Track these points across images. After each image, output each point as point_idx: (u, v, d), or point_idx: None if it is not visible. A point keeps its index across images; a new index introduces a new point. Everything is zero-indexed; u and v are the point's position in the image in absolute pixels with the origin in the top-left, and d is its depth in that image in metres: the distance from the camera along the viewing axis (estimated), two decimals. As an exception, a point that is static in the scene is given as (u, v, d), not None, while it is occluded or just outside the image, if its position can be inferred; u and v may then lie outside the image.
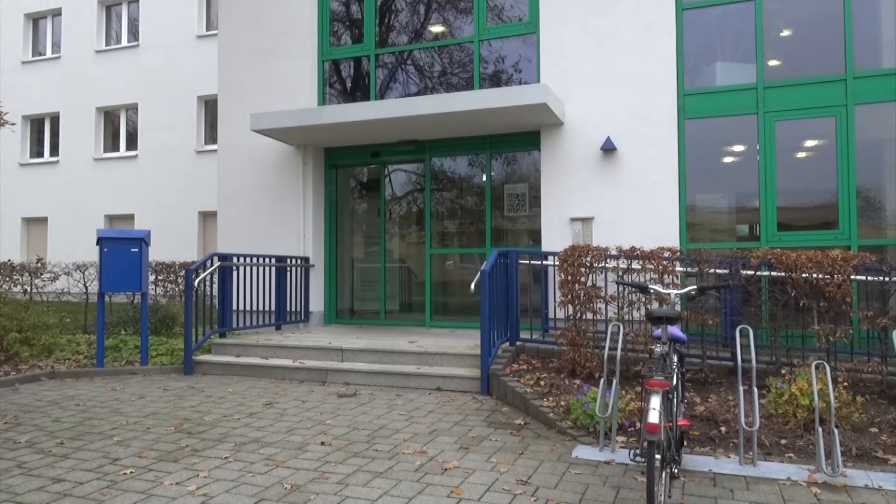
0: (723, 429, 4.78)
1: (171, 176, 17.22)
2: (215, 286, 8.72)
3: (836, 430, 3.89)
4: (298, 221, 9.91)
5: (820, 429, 3.96)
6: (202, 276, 8.00)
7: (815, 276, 5.64)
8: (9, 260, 12.12)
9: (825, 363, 4.18)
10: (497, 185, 9.47)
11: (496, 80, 9.35)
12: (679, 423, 3.75)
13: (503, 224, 9.43)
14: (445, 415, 5.61)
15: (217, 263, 8.28)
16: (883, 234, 7.41)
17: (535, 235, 9.15)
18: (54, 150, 19.08)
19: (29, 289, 11.21)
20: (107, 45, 18.68)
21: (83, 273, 11.17)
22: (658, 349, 3.70)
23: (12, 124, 10.27)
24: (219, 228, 10.47)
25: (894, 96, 7.42)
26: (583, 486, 3.83)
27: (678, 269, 6.35)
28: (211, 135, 16.99)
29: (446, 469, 4.16)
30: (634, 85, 8.37)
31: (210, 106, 17.03)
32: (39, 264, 10.89)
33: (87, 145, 18.37)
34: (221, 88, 10.70)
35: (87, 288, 10.91)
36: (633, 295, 6.22)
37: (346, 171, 10.65)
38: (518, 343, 7.20)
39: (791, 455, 4.33)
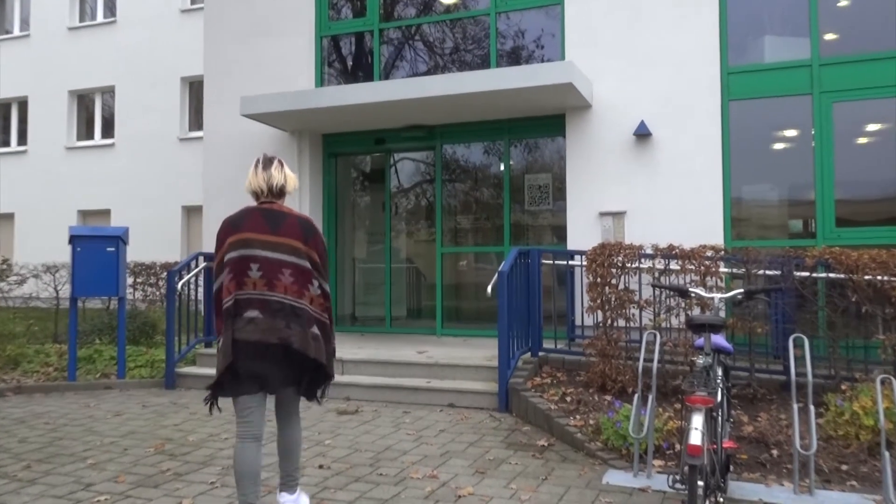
0: (775, 452, 4.76)
1: (151, 166, 17.36)
2: (201, 290, 8.67)
3: (905, 454, 3.87)
4: None
5: (887, 453, 3.93)
6: (186, 278, 8.04)
7: (879, 278, 5.59)
8: (-28, 261, 12.25)
9: (892, 377, 4.14)
10: (516, 175, 9.47)
11: (515, 57, 9.35)
12: (724, 446, 3.73)
13: (523, 219, 9.44)
14: (459, 434, 5.61)
15: (203, 264, 8.33)
16: (957, 230, 7.38)
17: (560, 232, 9.15)
18: (22, 139, 19.29)
19: (-6, 293, 11.32)
20: (80, 21, 18.87)
21: (53, 275, 11.27)
22: (700, 361, 3.69)
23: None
24: (205, 225, 10.54)
25: (970, 73, 7.38)
26: (615, 516, 3.82)
27: (722, 270, 6.32)
28: (196, 121, 17.11)
29: (460, 496, 4.16)
30: (672, 62, 8.40)
31: (195, 88, 17.16)
32: (5, 266, 10.98)
33: (58, 133, 18.54)
34: (208, 69, 10.77)
35: (57, 292, 10.99)
36: (672, 299, 6.23)
37: (346, 161, 10.69)
38: (541, 353, 7.22)
39: (853, 483, 4.31)
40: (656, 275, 6.40)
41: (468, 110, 8.99)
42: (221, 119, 10.53)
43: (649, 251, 6.55)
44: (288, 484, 3.69)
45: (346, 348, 8.10)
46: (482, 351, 7.80)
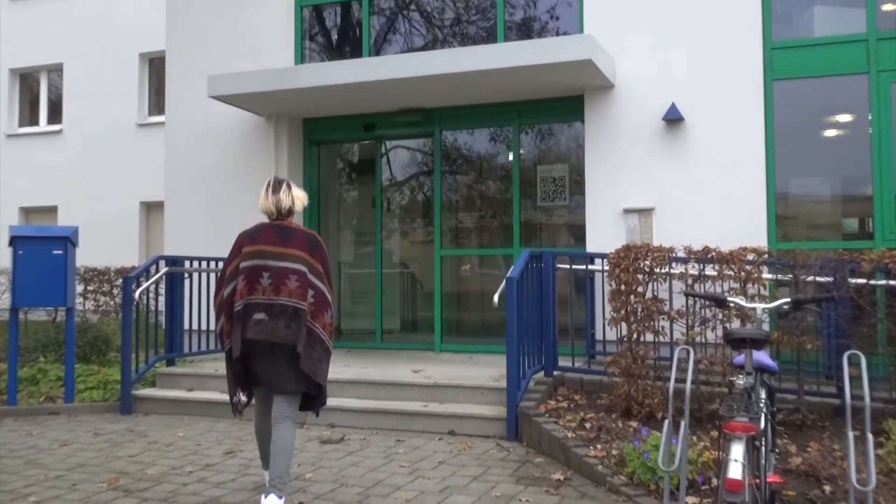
0: (827, 488, 4.73)
1: (105, 157, 17.37)
2: (162, 299, 8.70)
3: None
4: None
5: (957, 488, 3.90)
6: (145, 285, 8.04)
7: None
8: None
9: (963, 401, 4.12)
10: (528, 166, 9.44)
11: (526, 30, 9.35)
12: (769, 480, 3.73)
13: (536, 217, 9.41)
14: (461, 467, 5.60)
15: (164, 269, 8.33)
16: None
17: (578, 232, 9.09)
18: (-44, 125, 19.30)
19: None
20: (23, -12, 18.89)
21: (-8, 282, 11.27)
22: (740, 381, 3.70)
23: None
24: (166, 224, 10.52)
25: None
26: (642, 562, 3.82)
27: (766, 276, 6.33)
28: (157, 103, 17.13)
29: (462, 539, 4.15)
30: (706, 35, 8.38)
31: (156, 66, 17.17)
32: (-65, 271, 10.99)
33: (-3, 118, 18.56)
34: (171, 43, 10.76)
35: (-4, 302, 10.95)
36: (708, 310, 6.21)
37: (330, 149, 10.68)
38: (556, 373, 7.23)
39: (918, 522, 4.29)
40: (689, 281, 6.37)
41: (472, 91, 8.93)
42: (186, 102, 10.49)
43: (681, 254, 6.54)
44: (275, 485, 4.40)
45: (331, 367, 7.99)
46: (488, 370, 7.79)
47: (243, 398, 4.79)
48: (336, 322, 9.90)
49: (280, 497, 4.34)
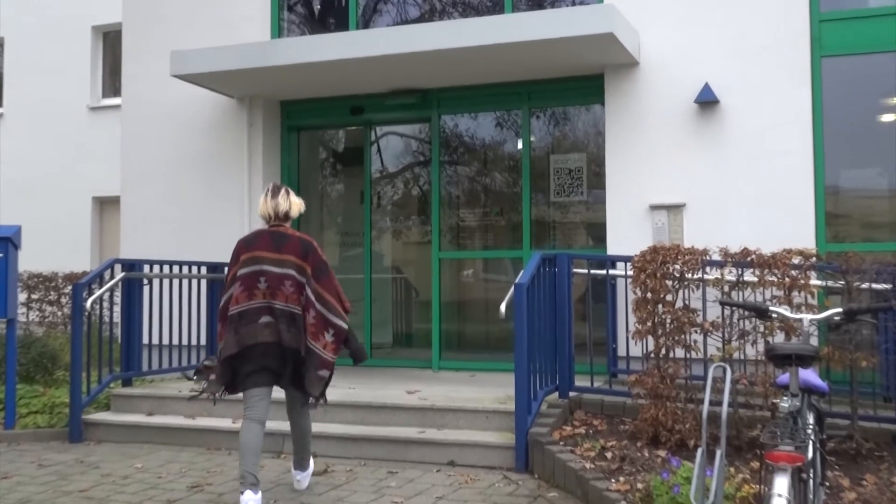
0: (884, 526, 4.73)
1: (52, 145, 17.32)
2: (118, 309, 8.62)
3: None
4: (243, 211, 9.90)
5: None
6: (98, 293, 8.00)
7: None
8: None
9: None
10: (540, 155, 9.45)
11: (537, -1, 9.35)
12: (818, 518, 3.71)
13: (549, 214, 9.42)
14: (462, 503, 5.56)
15: (121, 275, 8.29)
16: None
17: (598, 231, 9.09)
18: None
19: None
20: (-42, -49, 18.87)
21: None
22: (785, 404, 3.69)
23: None
24: (123, 223, 10.49)
25: None
26: None
27: (814, 282, 6.28)
28: (112, 84, 17.10)
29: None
30: (745, 5, 8.34)
31: (112, 41, 17.14)
32: None
33: (-73, 100, 18.51)
34: (128, 14, 10.75)
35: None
36: (747, 321, 6.19)
37: (312, 136, 10.68)
38: (572, 394, 7.25)
39: None
40: (726, 288, 6.33)
41: (475, 69, 8.91)
42: (146, 81, 10.44)
43: (716, 257, 6.50)
44: (299, 463, 5.88)
45: None
46: (493, 390, 7.74)
47: (222, 395, 5.68)
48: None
49: (304, 470, 5.88)
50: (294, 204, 5.69)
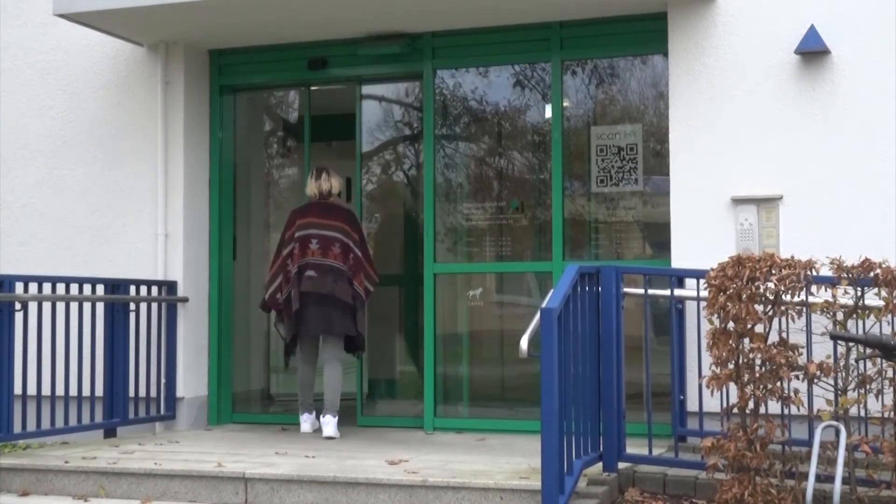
0: None
1: None
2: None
3: None
4: (154, 206, 9.10)
5: None
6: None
7: None
8: None
9: None
10: (576, 127, 8.74)
11: None
12: None
13: (589, 210, 8.75)
14: None
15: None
16: None
17: (658, 235, 8.42)
18: None
19: None
20: None
21: None
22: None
23: None
24: (1, 209, 9.58)
25: None
26: None
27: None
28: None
29: None
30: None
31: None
32: None
33: None
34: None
35: None
36: (870, 362, 5.85)
37: (254, 100, 10.13)
38: (622, 465, 6.70)
39: None
40: (840, 316, 5.90)
41: (484, 4, 8.03)
42: (19, 25, 9.38)
43: (826, 271, 5.99)
44: (328, 409, 7.77)
45: (255, 456, 7.40)
46: (510, 460, 7.01)
47: (294, 352, 8.05)
48: (262, 383, 11.03)
49: (335, 416, 7.66)
50: (334, 183, 7.87)
